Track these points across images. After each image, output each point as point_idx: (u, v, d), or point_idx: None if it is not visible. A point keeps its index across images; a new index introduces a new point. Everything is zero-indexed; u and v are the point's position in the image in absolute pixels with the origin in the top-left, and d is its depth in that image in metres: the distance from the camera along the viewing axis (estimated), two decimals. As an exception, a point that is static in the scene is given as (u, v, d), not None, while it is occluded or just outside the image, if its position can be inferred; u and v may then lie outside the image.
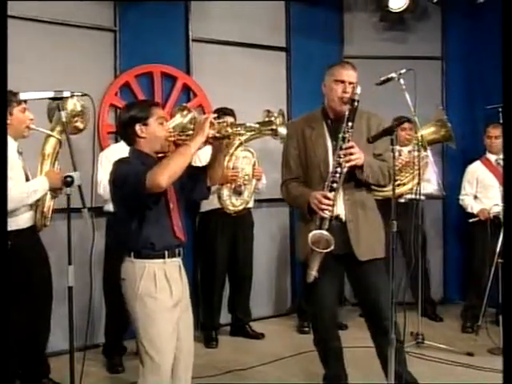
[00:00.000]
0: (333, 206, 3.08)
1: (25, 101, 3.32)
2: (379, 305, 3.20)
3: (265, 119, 2.73)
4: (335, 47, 5.74)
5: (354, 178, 3.18)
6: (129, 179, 2.53)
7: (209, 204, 4.59)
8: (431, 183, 5.06)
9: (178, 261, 2.74)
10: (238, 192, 4.61)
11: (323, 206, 3.07)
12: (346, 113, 3.11)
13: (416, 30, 5.87)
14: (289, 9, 5.54)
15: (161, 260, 2.65)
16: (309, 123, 3.32)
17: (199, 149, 2.63)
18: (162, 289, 2.63)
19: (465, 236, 5.42)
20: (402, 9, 5.47)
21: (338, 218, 3.18)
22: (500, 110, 5.05)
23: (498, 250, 4.38)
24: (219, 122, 2.68)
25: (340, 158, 3.07)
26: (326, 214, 3.07)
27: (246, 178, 4.60)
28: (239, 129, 2.69)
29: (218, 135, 2.64)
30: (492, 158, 5.03)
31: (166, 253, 2.66)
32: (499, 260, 4.35)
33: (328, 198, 3.07)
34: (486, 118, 5.31)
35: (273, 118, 2.68)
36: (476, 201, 5.03)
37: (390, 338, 2.95)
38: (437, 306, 5.47)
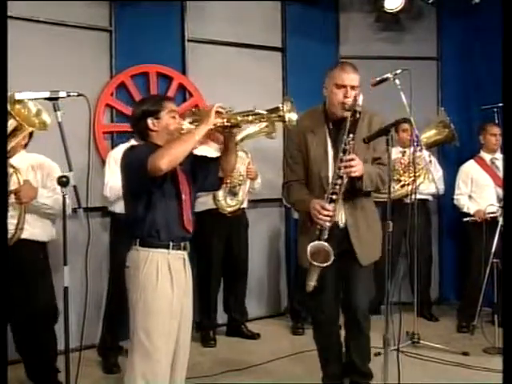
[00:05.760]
0: (332, 216, 3.04)
1: None
2: (357, 299, 3.25)
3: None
4: (331, 47, 5.74)
5: (353, 184, 3.12)
6: (134, 163, 2.62)
7: (203, 205, 4.58)
8: (438, 183, 5.09)
9: (183, 254, 2.78)
10: (232, 192, 4.62)
11: (323, 217, 3.04)
12: (348, 124, 3.04)
13: (411, 30, 5.87)
14: (285, 9, 5.54)
15: (165, 250, 2.69)
16: (311, 127, 3.24)
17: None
18: (163, 278, 2.66)
19: (460, 235, 5.42)
20: (397, 9, 5.48)
21: (337, 225, 3.15)
22: (495, 110, 5.08)
23: (493, 249, 4.39)
24: (227, 111, 2.73)
25: (340, 169, 3.03)
26: (326, 225, 3.05)
27: (241, 178, 4.60)
28: (248, 117, 2.73)
29: (227, 124, 2.70)
30: (487, 157, 5.03)
31: (171, 244, 2.70)
32: (494, 260, 4.36)
33: (327, 210, 3.04)
34: (481, 118, 5.33)
35: (280, 105, 2.71)
36: (471, 200, 5.01)
37: (386, 338, 2.96)
38: (432, 306, 5.48)
